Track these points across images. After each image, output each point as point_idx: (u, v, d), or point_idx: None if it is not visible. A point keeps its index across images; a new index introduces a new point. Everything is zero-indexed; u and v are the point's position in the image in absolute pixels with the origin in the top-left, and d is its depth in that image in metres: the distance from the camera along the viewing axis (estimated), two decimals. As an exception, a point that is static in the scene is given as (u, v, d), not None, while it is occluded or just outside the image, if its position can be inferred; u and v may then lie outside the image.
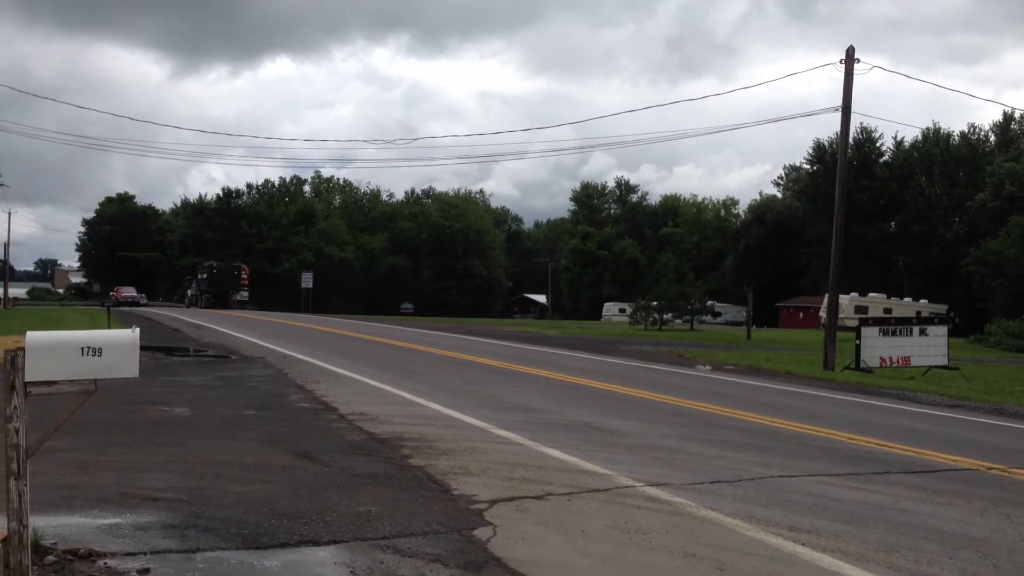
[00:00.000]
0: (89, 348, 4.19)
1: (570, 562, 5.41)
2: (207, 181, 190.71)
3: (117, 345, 4.25)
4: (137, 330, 4.43)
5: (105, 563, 4.98)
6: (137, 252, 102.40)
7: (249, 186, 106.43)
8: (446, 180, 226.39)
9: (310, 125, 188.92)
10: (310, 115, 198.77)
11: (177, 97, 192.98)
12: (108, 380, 4.38)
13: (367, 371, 16.37)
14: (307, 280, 74.41)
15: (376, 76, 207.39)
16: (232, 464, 7.81)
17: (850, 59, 23.42)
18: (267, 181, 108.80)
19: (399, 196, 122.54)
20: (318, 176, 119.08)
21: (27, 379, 4.13)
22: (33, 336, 4.19)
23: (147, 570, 4.92)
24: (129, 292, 68.60)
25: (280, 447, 8.69)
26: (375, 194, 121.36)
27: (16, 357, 4.12)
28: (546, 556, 5.49)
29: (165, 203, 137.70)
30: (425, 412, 11.49)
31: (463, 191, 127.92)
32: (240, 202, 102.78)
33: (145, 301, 67.17)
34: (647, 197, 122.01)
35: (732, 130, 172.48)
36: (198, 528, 5.76)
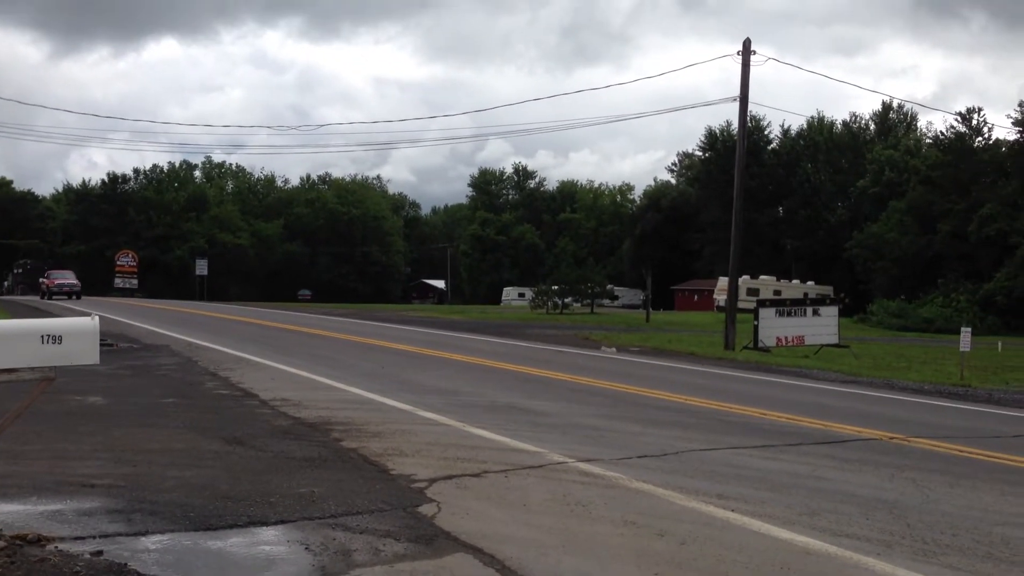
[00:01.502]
0: (49, 336, 4.16)
1: (517, 534, 5.59)
2: (89, 166, 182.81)
3: (77, 333, 4.24)
4: (97, 318, 4.41)
5: (56, 547, 4.92)
6: (16, 240, 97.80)
7: (136, 171, 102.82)
8: (342, 166, 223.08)
9: (198, 109, 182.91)
10: (198, 99, 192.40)
11: (56, 79, 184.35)
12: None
13: (279, 358, 16.22)
14: (202, 267, 72.68)
15: (267, 60, 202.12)
16: (163, 451, 7.73)
17: (747, 51, 24.23)
18: (155, 166, 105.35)
19: (294, 182, 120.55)
20: (209, 161, 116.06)
21: (-15, 366, 4.07)
22: (-8, 322, 4.14)
23: (100, 552, 4.88)
24: (66, 279, 52.41)
25: (208, 434, 8.61)
26: (269, 180, 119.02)
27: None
28: (493, 529, 5.66)
29: (45, 188, 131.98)
30: (347, 396, 11.51)
31: (360, 177, 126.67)
32: (127, 188, 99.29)
33: (79, 288, 51.25)
34: (544, 183, 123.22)
35: (632, 119, 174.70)
36: (143, 512, 5.73)
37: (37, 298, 49.51)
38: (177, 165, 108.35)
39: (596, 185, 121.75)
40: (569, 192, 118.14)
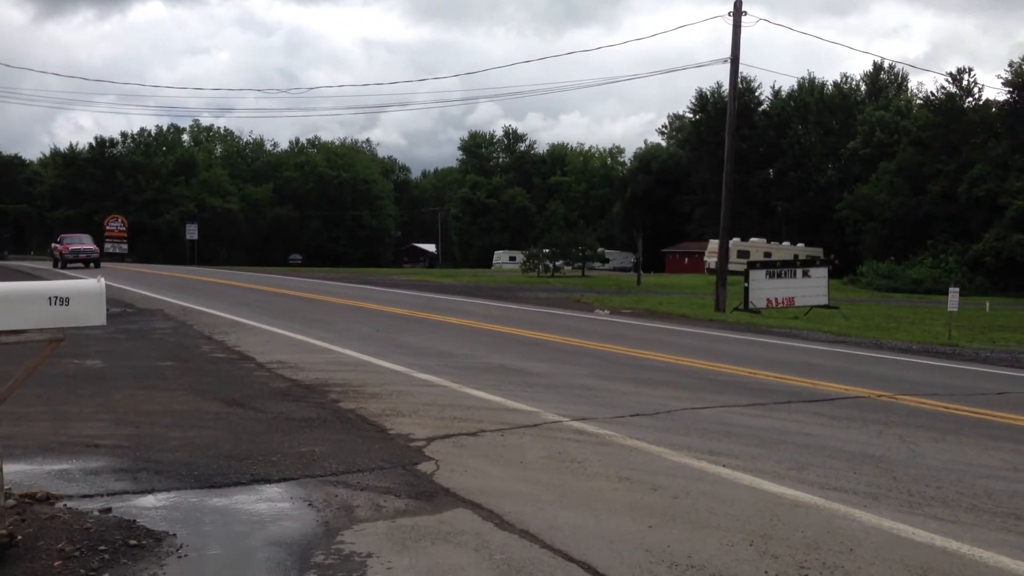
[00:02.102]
0: (56, 298, 4.24)
1: (515, 489, 5.74)
2: (76, 129, 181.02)
3: (84, 294, 4.32)
4: (103, 280, 4.49)
5: (65, 504, 5.05)
6: (4, 204, 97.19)
7: (124, 135, 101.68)
8: (331, 129, 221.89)
9: (185, 72, 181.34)
10: (185, 61, 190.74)
11: (41, 41, 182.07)
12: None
13: (274, 321, 16.32)
14: (192, 232, 72.35)
15: (254, 22, 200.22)
16: (163, 412, 7.84)
17: (738, 11, 24.15)
18: (143, 130, 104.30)
19: (283, 146, 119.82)
20: (197, 125, 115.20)
21: (-4, 328, 4.15)
22: (0, 286, 4.22)
23: (108, 509, 5.01)
24: (83, 244, 46.30)
25: (207, 395, 8.73)
26: (258, 144, 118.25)
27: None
28: (492, 485, 5.80)
29: (32, 152, 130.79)
30: (343, 359, 11.63)
31: (349, 140, 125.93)
32: (115, 152, 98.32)
33: (97, 254, 46.44)
34: (535, 146, 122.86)
35: (623, 81, 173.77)
36: (148, 471, 5.86)
37: (50, 266, 44.23)
38: (165, 129, 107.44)
39: (586, 148, 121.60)
40: (559, 155, 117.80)
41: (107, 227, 74.97)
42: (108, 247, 71.31)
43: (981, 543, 4.84)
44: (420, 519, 5.08)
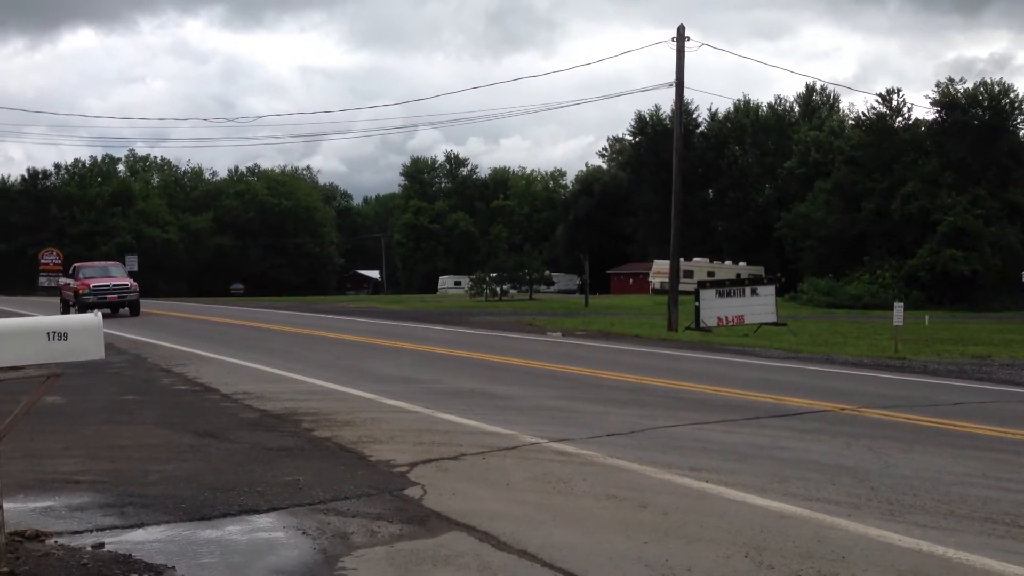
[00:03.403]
0: (54, 333, 4.21)
1: (505, 511, 5.78)
2: (6, 161, 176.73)
3: (82, 329, 4.29)
4: (100, 314, 4.47)
5: (56, 541, 4.97)
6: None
7: (57, 166, 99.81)
8: (271, 157, 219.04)
9: (118, 101, 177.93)
10: (118, 90, 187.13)
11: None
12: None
13: (231, 352, 16.13)
14: (131, 264, 70.57)
15: (188, 50, 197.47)
16: (137, 447, 7.72)
17: (681, 37, 24.66)
18: (77, 161, 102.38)
19: (222, 174, 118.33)
20: (133, 155, 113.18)
21: (-4, 365, 4.05)
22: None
23: (102, 544, 4.94)
24: (111, 277, 31.00)
25: (178, 428, 8.61)
26: (197, 172, 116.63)
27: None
28: (482, 507, 5.83)
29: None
30: (309, 388, 11.56)
31: (289, 168, 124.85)
32: (48, 183, 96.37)
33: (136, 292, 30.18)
34: (477, 170, 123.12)
35: (567, 106, 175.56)
36: (135, 505, 5.78)
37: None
38: (99, 159, 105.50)
39: (528, 171, 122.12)
40: (501, 179, 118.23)
41: (42, 260, 72.99)
42: (43, 280, 69.54)
43: (965, 547, 5.01)
44: (418, 543, 5.09)
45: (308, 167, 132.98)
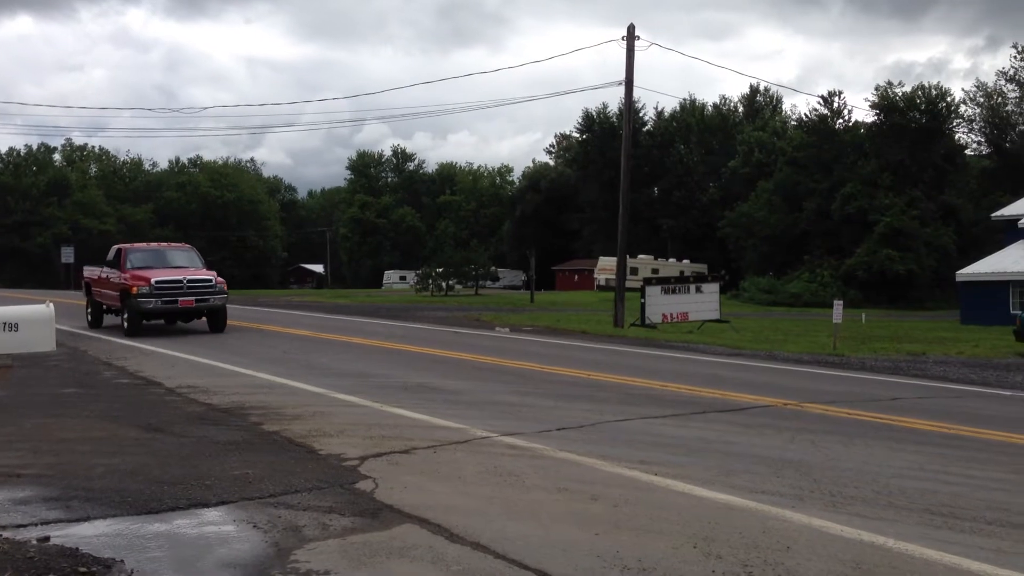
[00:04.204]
0: (5, 324, 4.13)
1: (458, 504, 5.81)
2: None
3: (33, 320, 4.25)
4: (52, 305, 4.39)
5: (0, 535, 4.87)
6: None
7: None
8: (213, 148, 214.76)
9: (56, 89, 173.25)
10: (56, 78, 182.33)
11: None
12: None
13: (172, 345, 15.88)
14: (68, 255, 69.16)
15: (130, 38, 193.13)
16: (81, 440, 7.59)
17: (631, 36, 24.84)
18: (11, 149, 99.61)
19: (163, 165, 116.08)
20: (70, 144, 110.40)
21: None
22: (-56, 308, 4.06)
23: (47, 538, 4.86)
24: (182, 269, 20.48)
25: (123, 422, 8.48)
26: (136, 163, 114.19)
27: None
28: (434, 500, 5.85)
29: None
30: (255, 382, 11.45)
31: (233, 160, 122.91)
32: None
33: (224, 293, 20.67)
34: (424, 165, 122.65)
35: (516, 103, 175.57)
36: (80, 499, 5.69)
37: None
38: (35, 148, 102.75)
39: (475, 167, 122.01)
40: (448, 174, 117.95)
41: (-27, 251, 71.01)
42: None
43: (904, 537, 5.17)
44: (370, 536, 5.10)
45: (252, 159, 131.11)
